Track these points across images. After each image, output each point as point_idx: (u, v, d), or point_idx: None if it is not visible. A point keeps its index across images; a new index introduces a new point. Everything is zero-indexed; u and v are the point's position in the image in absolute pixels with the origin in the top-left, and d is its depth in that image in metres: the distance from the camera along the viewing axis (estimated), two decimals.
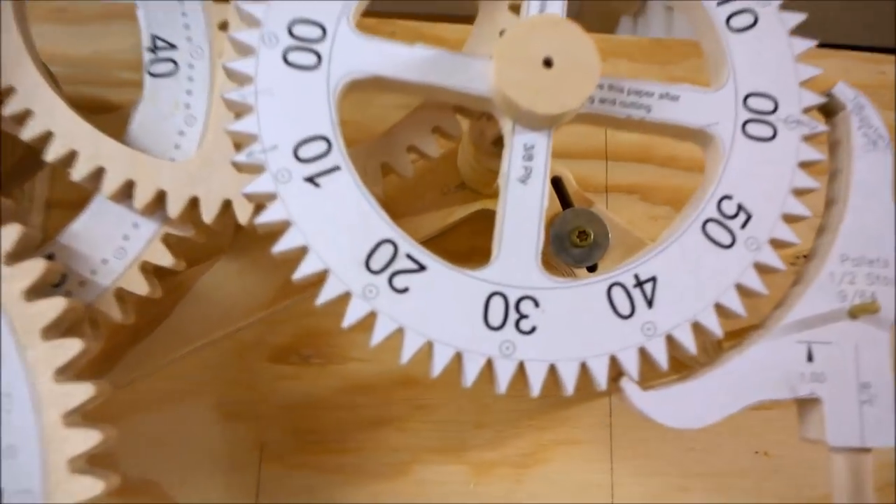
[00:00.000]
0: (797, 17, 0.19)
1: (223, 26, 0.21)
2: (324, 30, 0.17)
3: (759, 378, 0.16)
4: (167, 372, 0.25)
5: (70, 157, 0.19)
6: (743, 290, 0.17)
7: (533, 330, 0.16)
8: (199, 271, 0.25)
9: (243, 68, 0.17)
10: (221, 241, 0.25)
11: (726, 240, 0.17)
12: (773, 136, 0.18)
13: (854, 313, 0.17)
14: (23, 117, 0.19)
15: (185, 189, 0.20)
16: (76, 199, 0.20)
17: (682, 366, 0.19)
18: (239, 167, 0.17)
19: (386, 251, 0.17)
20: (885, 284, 0.17)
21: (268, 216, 0.16)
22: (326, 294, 0.16)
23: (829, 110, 0.19)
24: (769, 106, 0.18)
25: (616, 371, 0.17)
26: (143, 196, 0.19)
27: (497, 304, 0.17)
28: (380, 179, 0.21)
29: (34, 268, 0.17)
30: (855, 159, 0.18)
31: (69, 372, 0.16)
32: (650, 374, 0.17)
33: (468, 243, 0.26)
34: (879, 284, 0.17)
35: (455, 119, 0.21)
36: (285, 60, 0.17)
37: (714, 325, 0.17)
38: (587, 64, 0.17)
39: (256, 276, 0.25)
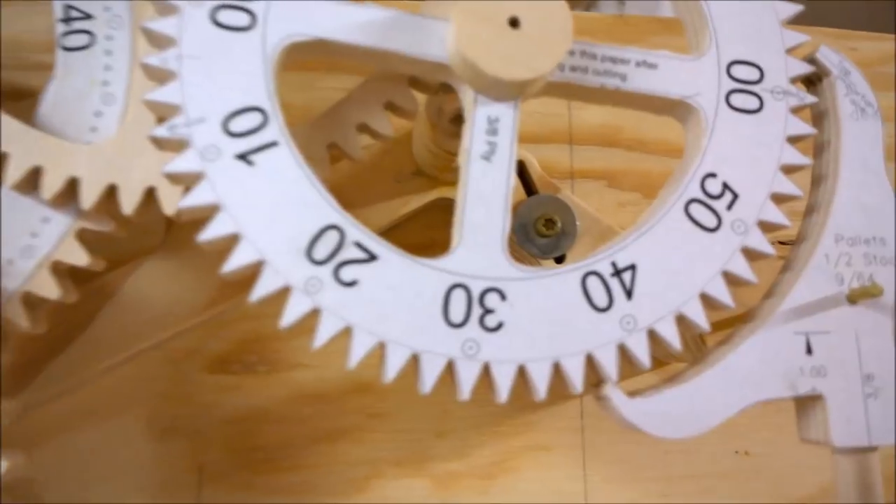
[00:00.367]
0: None
1: None
2: None
3: (757, 376, 0.15)
4: (91, 388, 0.23)
5: None
6: (730, 278, 0.16)
7: (499, 326, 0.15)
8: (125, 273, 0.22)
9: (165, 29, 0.15)
10: (150, 238, 0.23)
11: (711, 222, 0.16)
12: (760, 108, 0.17)
13: (853, 298, 0.15)
14: None
15: (102, 176, 0.17)
16: None
17: (658, 363, 0.17)
18: (159, 143, 0.15)
19: (331, 239, 0.14)
20: (884, 265, 0.16)
21: (192, 199, 0.14)
22: (262, 289, 0.14)
23: (811, 79, 0.18)
24: (755, 75, 0.17)
25: (595, 376, 0.15)
26: (51, 185, 0.17)
27: (458, 297, 0.15)
28: (327, 163, 0.19)
29: None
30: (843, 129, 0.16)
31: None
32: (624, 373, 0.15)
33: (425, 236, 0.24)
34: (877, 265, 0.16)
35: (410, 93, 0.19)
36: (214, 20, 0.15)
37: (700, 318, 0.15)
38: (558, 23, 0.15)
39: (191, 277, 0.23)
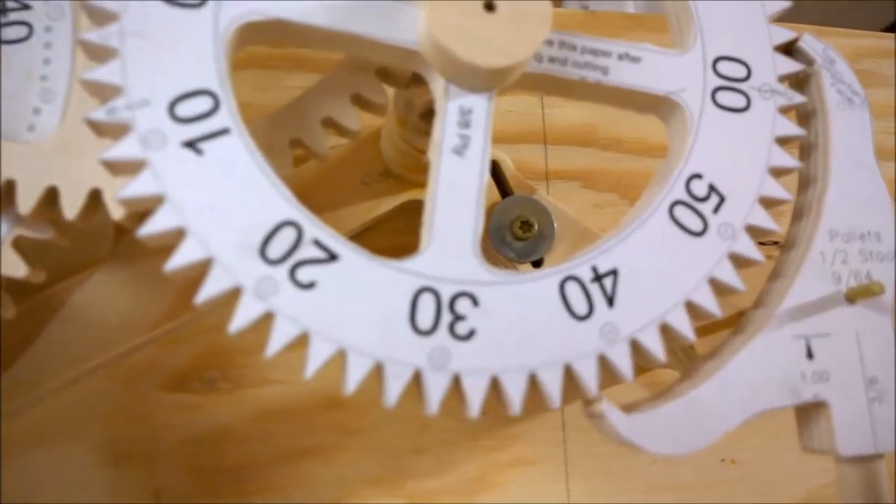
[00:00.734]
0: None
1: None
2: None
3: (757, 385, 0.14)
4: (38, 410, 0.21)
5: None
6: (717, 286, 0.15)
7: (471, 335, 0.13)
8: (71, 286, 0.21)
9: (106, 4, 0.13)
10: (97, 247, 0.21)
11: (697, 226, 0.15)
12: (747, 107, 0.16)
13: (852, 297, 0.14)
14: None
15: (41, 178, 0.16)
16: None
17: (641, 369, 0.16)
18: (97, 128, 0.13)
19: (287, 236, 0.13)
20: (880, 261, 0.15)
21: (133, 189, 0.13)
22: (209, 290, 0.13)
23: (799, 81, 0.17)
24: (741, 72, 0.16)
25: (574, 389, 0.14)
26: None
27: (427, 302, 0.13)
28: (289, 160, 0.18)
29: None
30: (831, 120, 0.16)
31: None
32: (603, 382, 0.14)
33: (394, 241, 0.23)
34: (874, 261, 0.15)
35: (379, 85, 0.17)
36: None
37: (685, 328, 0.14)
38: (536, 9, 0.14)
39: (143, 289, 0.21)
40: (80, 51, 0.16)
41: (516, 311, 0.14)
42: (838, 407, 0.14)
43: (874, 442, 0.14)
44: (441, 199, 0.14)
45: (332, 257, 0.13)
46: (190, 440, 0.23)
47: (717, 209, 0.15)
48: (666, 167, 0.16)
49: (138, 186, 0.13)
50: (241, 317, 0.12)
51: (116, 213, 0.16)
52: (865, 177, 0.15)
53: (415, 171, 0.22)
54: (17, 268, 0.16)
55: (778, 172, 0.16)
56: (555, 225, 0.22)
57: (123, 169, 0.13)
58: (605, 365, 0.14)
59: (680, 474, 0.24)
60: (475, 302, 0.13)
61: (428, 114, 0.18)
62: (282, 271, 0.13)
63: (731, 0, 0.16)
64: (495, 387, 0.13)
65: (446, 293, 0.13)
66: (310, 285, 0.13)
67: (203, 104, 0.13)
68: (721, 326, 0.16)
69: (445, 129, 0.14)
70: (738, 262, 0.15)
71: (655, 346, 0.14)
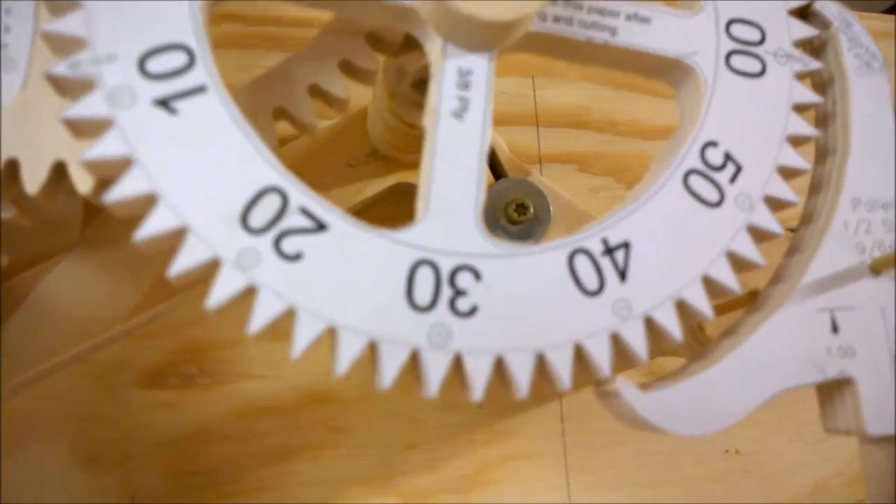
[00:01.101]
0: None
1: None
2: None
3: (781, 361, 0.13)
4: (3, 410, 0.20)
5: None
6: (735, 260, 0.14)
7: (473, 311, 0.12)
8: (37, 275, 0.19)
9: None
10: (65, 233, 0.20)
11: (713, 196, 0.14)
12: (762, 72, 0.15)
13: (877, 268, 0.13)
14: None
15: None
16: None
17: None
18: (59, 84, 0.12)
19: (271, 203, 0.12)
20: None
21: (98, 150, 0.11)
22: (184, 261, 0.11)
23: (814, 48, 0.16)
24: (756, 35, 0.15)
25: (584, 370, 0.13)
26: None
27: (425, 276, 0.12)
28: (273, 130, 0.17)
29: None
30: (851, 85, 0.15)
31: None
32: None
33: (383, 226, 0.22)
34: None
35: (369, 50, 0.16)
36: None
37: (703, 304, 0.13)
38: None
39: (116, 276, 0.20)
40: (42, 11, 0.15)
41: (522, 285, 0.13)
42: (865, 384, 0.13)
43: None
44: (439, 166, 0.13)
45: (321, 227, 0.12)
46: (167, 440, 0.21)
47: (733, 178, 0.14)
48: (678, 134, 0.14)
49: (104, 148, 0.11)
50: (221, 291, 0.11)
51: (83, 186, 0.15)
52: (885, 143, 0.14)
53: (405, 151, 0.21)
54: None
55: (796, 141, 0.15)
56: (551, 208, 0.21)
57: (88, 130, 0.12)
58: (617, 344, 0.13)
59: (683, 467, 0.23)
60: (477, 276, 0.12)
61: (421, 83, 0.17)
62: (265, 241, 0.12)
63: None
64: (500, 368, 0.12)
65: (446, 266, 0.12)
66: (296, 257, 0.12)
67: (177, 59, 0.12)
68: (734, 306, 0.15)
69: (443, 91, 0.13)
70: (757, 234, 0.14)
71: (672, 324, 0.13)
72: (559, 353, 0.12)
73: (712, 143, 0.14)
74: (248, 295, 0.11)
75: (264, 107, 0.16)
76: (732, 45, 0.15)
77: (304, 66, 0.16)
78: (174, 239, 0.11)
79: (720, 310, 0.15)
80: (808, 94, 0.15)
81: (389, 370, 0.11)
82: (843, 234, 0.14)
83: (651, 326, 0.13)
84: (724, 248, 0.14)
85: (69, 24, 0.12)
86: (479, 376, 0.12)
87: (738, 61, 0.15)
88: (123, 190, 0.11)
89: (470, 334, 0.12)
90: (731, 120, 0.14)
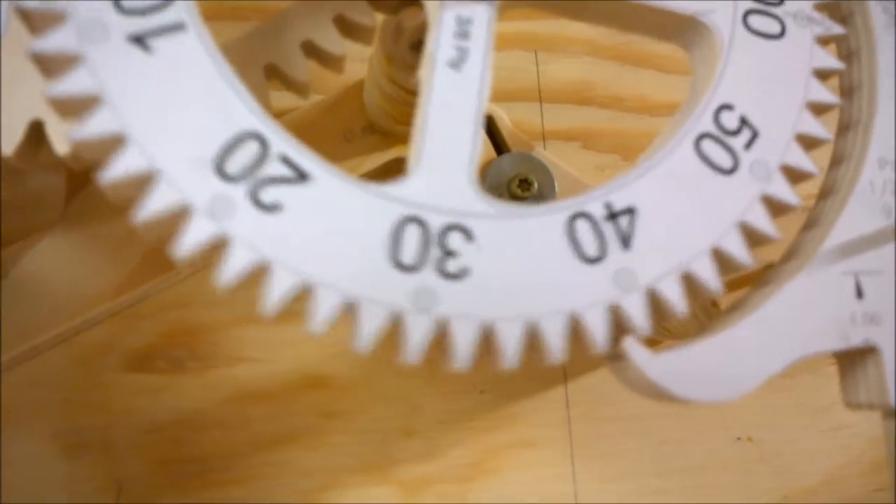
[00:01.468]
0: None
1: None
2: None
3: (802, 325, 0.12)
4: None
5: None
6: (748, 232, 0.13)
7: (462, 274, 0.11)
8: (18, 251, 0.19)
9: None
10: (48, 210, 0.19)
11: (727, 163, 0.13)
12: (782, 34, 0.14)
13: None
14: None
15: None
16: None
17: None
18: (28, 18, 0.11)
19: (249, 150, 0.11)
20: None
21: (65, 87, 0.11)
22: (152, 206, 0.10)
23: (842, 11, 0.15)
24: None
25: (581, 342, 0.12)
26: None
27: (412, 234, 0.11)
28: (265, 89, 0.16)
29: None
30: (878, 40, 0.14)
31: None
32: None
33: None
34: None
35: (365, 5, 0.15)
36: None
37: (711, 278, 0.12)
38: None
39: (100, 253, 0.19)
40: None
41: (517, 249, 0.12)
42: (890, 353, 0.12)
43: None
44: (434, 118, 0.12)
45: (302, 176, 0.11)
46: (155, 426, 0.20)
47: (749, 145, 0.13)
48: (692, 96, 0.14)
49: (71, 84, 0.11)
50: (191, 239, 0.10)
51: (61, 147, 0.14)
52: None
53: (403, 123, 0.20)
54: None
55: (817, 109, 0.14)
56: (556, 184, 0.20)
57: (57, 66, 0.11)
58: (617, 317, 0.12)
59: (694, 455, 0.22)
60: (469, 237, 0.11)
61: (419, 44, 0.16)
62: (241, 190, 0.11)
63: None
64: (488, 336, 0.11)
65: (435, 224, 0.11)
66: (273, 208, 0.11)
67: None
68: (747, 282, 0.14)
69: (440, 40, 0.12)
70: (773, 206, 0.13)
71: (677, 298, 0.12)
72: (554, 324, 0.11)
73: (727, 107, 0.13)
74: (219, 245, 0.11)
75: (255, 63, 0.15)
76: (750, 4, 0.14)
77: (298, 21, 0.15)
78: (143, 184, 0.11)
79: (731, 286, 0.14)
80: (829, 60, 0.14)
81: (367, 332, 0.11)
82: (870, 195, 0.13)
83: (654, 299, 0.12)
84: (737, 218, 0.13)
85: None
86: (465, 344, 0.11)
87: (756, 21, 0.14)
88: (89, 129, 0.11)
89: (458, 299, 0.11)
90: (748, 83, 0.13)
